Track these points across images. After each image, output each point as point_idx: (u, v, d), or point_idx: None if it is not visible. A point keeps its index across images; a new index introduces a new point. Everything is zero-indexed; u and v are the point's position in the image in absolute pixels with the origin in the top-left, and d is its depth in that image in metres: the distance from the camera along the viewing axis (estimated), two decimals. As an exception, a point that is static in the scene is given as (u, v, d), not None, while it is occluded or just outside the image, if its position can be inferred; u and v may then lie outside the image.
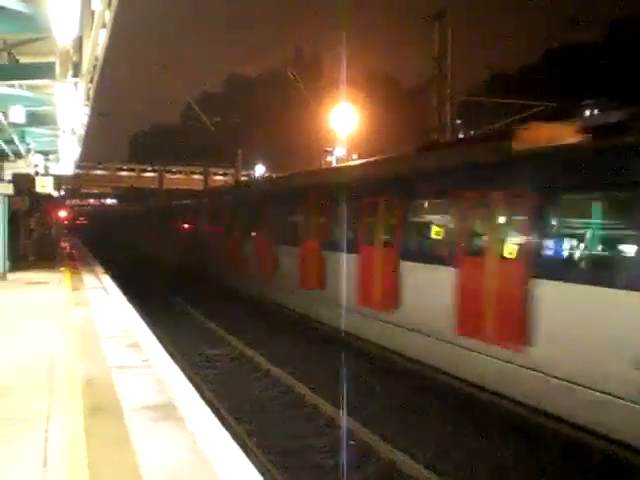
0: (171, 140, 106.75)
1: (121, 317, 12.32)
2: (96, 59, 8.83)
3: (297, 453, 9.24)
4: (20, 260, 23.09)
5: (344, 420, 9.88)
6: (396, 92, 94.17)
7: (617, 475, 8.41)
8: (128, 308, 13.66)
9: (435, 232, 12.46)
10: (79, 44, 7.72)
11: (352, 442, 9.55)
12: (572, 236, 9.66)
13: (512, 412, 10.26)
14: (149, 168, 71.18)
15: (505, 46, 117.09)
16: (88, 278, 19.77)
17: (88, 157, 53.80)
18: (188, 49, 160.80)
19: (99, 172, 70.72)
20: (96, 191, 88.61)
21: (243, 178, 52.08)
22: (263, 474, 5.12)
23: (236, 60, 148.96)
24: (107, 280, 19.38)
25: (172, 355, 10.14)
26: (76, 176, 45.14)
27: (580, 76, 53.36)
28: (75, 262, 26.36)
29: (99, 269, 23.38)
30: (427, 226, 12.85)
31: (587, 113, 22.44)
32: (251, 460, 5.27)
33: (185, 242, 33.82)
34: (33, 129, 16.23)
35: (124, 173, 72.85)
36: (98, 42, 7.64)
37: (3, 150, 18.19)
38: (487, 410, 10.62)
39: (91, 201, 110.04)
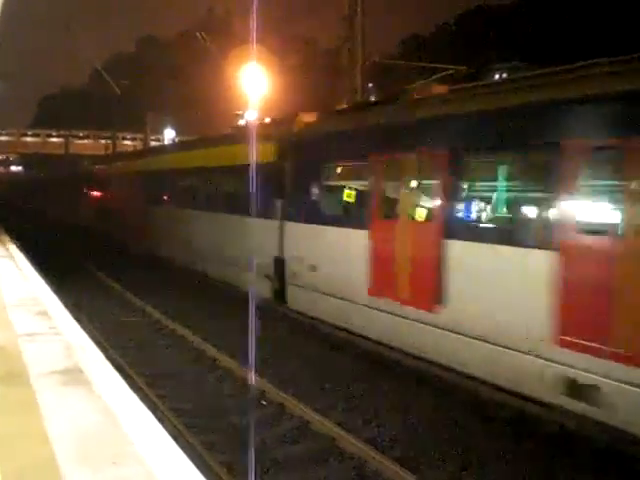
0: (79, 104, 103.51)
1: (29, 285, 12.03)
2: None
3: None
4: None
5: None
6: (312, 54, 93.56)
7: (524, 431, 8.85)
8: (35, 276, 13.35)
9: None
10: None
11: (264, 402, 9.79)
12: None
13: (424, 369, 10.66)
14: (54, 133, 69.10)
15: (421, 8, 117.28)
16: (-7, 247, 19.15)
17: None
18: (98, 9, 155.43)
19: (3, 138, 68.26)
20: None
21: (152, 143, 51.28)
22: (174, 436, 5.17)
23: (148, 21, 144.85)
24: (14, 249, 18.82)
25: (79, 320, 10.02)
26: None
27: (493, 39, 54.32)
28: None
29: (6, 238, 22.66)
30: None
31: (496, 76, 22.88)
32: (162, 423, 5.31)
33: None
34: None
35: (29, 139, 70.56)
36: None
37: None
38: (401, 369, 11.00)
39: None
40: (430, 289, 10.19)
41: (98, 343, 8.59)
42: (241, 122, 37.92)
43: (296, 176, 14.98)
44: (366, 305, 11.97)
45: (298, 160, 15.04)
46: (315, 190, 14.11)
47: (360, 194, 12.96)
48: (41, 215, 51.52)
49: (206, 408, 9.68)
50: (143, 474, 4.05)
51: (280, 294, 15.36)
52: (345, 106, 19.68)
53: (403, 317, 10.98)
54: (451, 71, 25.29)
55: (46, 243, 30.53)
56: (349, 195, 13.25)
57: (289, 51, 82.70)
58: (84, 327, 9.15)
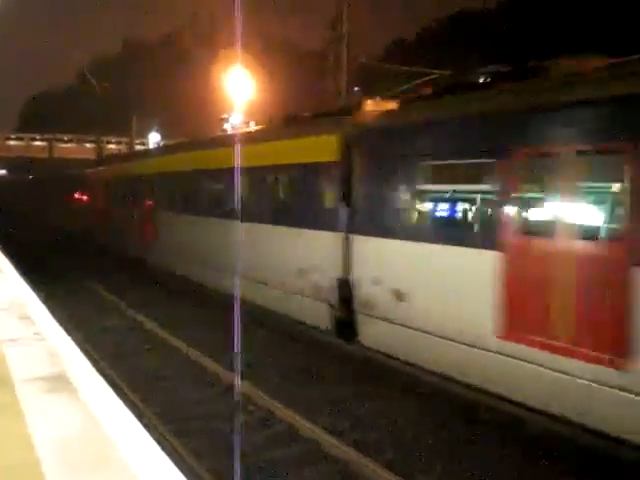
0: (64, 106, 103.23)
1: (11, 289, 11.91)
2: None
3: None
4: None
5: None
6: (296, 58, 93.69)
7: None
8: (18, 279, 13.23)
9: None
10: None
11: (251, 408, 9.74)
12: None
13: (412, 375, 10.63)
14: (38, 137, 68.86)
15: (406, 12, 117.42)
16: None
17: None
18: (85, 11, 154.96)
19: (-12, 142, 68.00)
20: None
21: (138, 147, 51.23)
22: (159, 441, 5.12)
23: (133, 24, 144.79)
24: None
25: (67, 329, 9.95)
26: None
27: (480, 43, 54.47)
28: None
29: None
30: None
31: (481, 80, 22.63)
32: (147, 428, 5.26)
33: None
34: None
35: (13, 142, 70.19)
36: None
37: None
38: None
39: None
40: (613, 337, 7.44)
41: (85, 351, 8.51)
42: (226, 126, 37.72)
43: (372, 178, 11.99)
44: (493, 351, 9.07)
45: (376, 158, 12.02)
46: (405, 196, 11.16)
47: (486, 202, 9.84)
48: (35, 220, 51.00)
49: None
50: (128, 480, 4.01)
51: (345, 325, 12.54)
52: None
53: (559, 371, 8.09)
54: (435, 75, 25.38)
55: (38, 249, 30.23)
56: (466, 203, 10.38)
57: (272, 54, 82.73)
58: (69, 333, 9.08)
